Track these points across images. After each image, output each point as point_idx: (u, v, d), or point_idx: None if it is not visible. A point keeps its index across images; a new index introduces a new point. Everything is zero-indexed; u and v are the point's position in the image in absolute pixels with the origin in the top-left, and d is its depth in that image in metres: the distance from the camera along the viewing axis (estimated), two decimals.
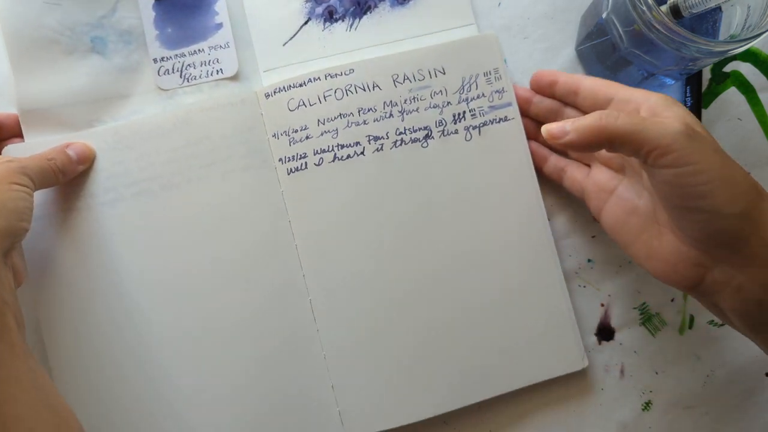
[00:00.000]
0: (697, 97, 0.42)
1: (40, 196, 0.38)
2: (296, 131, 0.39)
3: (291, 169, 0.39)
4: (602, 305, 0.41)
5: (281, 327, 0.38)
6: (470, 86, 0.40)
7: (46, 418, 0.29)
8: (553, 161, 0.40)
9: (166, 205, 0.38)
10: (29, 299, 0.38)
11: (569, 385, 0.40)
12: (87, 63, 0.39)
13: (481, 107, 0.40)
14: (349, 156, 0.39)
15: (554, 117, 0.39)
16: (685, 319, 0.41)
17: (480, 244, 0.39)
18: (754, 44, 0.31)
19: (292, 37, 0.42)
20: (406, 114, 0.39)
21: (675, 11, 0.34)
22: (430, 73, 0.40)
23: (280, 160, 0.39)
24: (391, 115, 0.39)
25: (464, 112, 0.40)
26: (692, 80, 0.42)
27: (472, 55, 0.40)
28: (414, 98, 0.39)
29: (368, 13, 0.42)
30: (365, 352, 0.38)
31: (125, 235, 0.38)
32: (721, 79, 0.43)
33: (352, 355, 0.38)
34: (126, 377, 0.37)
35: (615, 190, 0.36)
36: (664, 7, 0.34)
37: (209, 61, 0.40)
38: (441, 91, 0.40)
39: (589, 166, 0.39)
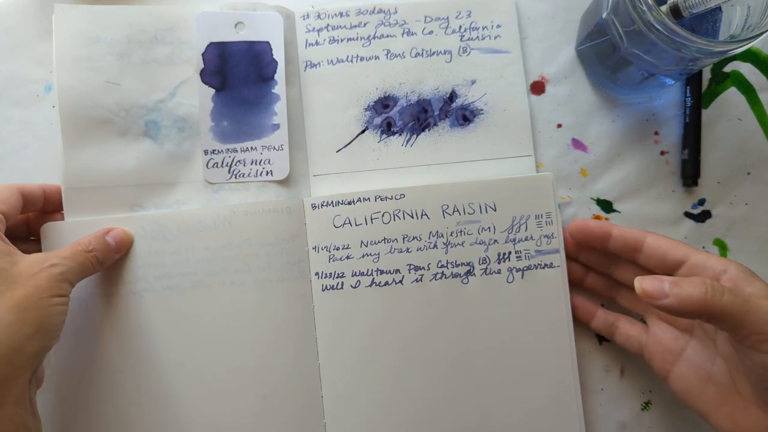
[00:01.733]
0: (697, 97, 0.42)
1: None
2: (337, 249, 0.38)
3: (326, 286, 0.38)
4: (602, 305, 0.41)
5: None
6: (519, 227, 0.39)
7: None
8: (602, 316, 0.39)
9: (195, 303, 0.38)
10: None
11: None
12: (138, 146, 0.39)
13: (528, 250, 0.39)
14: (387, 283, 0.38)
15: (606, 267, 0.39)
16: None
17: (506, 390, 0.38)
18: (754, 44, 0.32)
19: (347, 145, 0.41)
20: (451, 247, 0.39)
21: (675, 11, 0.34)
22: (480, 207, 0.39)
23: (317, 274, 0.38)
24: (435, 245, 0.38)
25: (510, 253, 0.39)
26: (692, 80, 0.42)
27: (525, 195, 0.39)
28: (461, 231, 0.39)
29: (427, 130, 0.41)
30: None
31: (148, 328, 0.38)
32: (721, 79, 0.42)
33: None
34: None
35: (683, 353, 0.35)
36: (664, 7, 0.34)
37: (260, 160, 0.39)
38: (489, 227, 0.39)
39: (643, 320, 0.38)
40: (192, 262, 0.38)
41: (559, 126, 0.42)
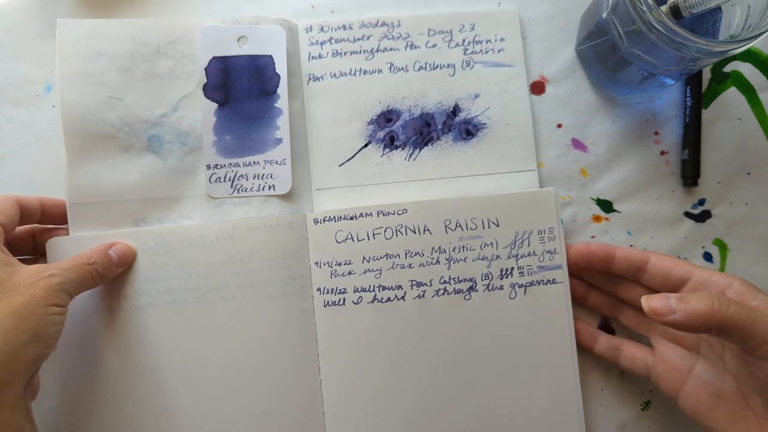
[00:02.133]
0: (697, 97, 0.41)
1: None
2: (339, 264, 0.38)
3: (328, 302, 0.38)
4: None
5: None
6: (522, 242, 0.39)
7: None
8: (605, 340, 0.39)
9: (197, 318, 0.38)
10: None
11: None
12: (141, 161, 0.39)
13: (530, 266, 0.39)
14: (389, 299, 0.38)
15: (610, 286, 0.39)
16: None
17: (508, 407, 0.38)
18: (754, 44, 0.32)
19: (349, 159, 0.41)
20: (453, 262, 0.38)
21: (675, 11, 0.34)
22: (483, 223, 0.39)
23: (318, 290, 0.38)
24: (437, 261, 0.38)
25: (512, 269, 0.39)
26: (692, 80, 0.42)
27: (528, 210, 0.39)
28: (463, 247, 0.39)
29: (429, 144, 0.41)
30: None
31: (150, 342, 0.38)
32: (721, 79, 0.42)
33: None
34: None
35: (691, 371, 0.35)
36: (664, 7, 0.34)
37: (263, 175, 0.39)
38: (492, 243, 0.39)
39: (648, 341, 0.38)
40: (194, 277, 0.38)
41: (559, 126, 0.42)
